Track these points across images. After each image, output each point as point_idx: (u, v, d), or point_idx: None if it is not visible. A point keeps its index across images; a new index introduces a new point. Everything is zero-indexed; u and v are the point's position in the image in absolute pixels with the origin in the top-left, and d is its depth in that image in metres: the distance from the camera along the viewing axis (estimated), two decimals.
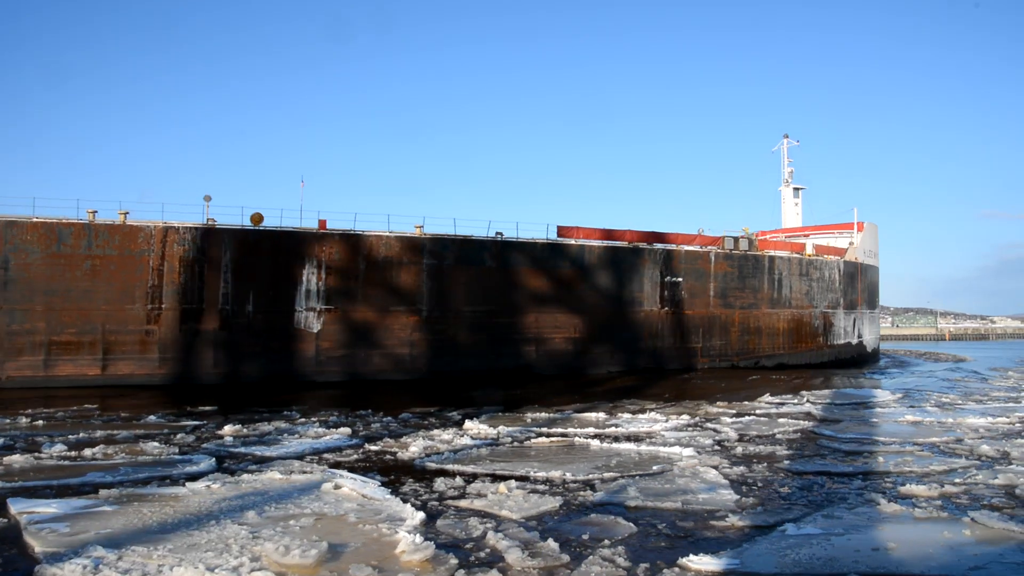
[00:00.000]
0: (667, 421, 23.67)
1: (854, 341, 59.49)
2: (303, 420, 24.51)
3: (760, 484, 14.54)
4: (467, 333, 42.64)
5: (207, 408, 28.10)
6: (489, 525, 11.17)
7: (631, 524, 11.38)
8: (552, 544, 10.14)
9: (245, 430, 21.96)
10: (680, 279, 47.88)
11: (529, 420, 24.48)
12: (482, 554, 10.01)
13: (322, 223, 40.76)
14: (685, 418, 24.79)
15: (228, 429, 21.88)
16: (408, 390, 36.66)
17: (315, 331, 39.89)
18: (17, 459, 16.70)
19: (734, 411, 26.79)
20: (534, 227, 41.88)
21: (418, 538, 9.91)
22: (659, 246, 47.81)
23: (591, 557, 9.74)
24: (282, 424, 23.40)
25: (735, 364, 49.83)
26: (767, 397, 31.32)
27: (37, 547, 10.03)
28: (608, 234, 46.86)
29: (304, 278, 39.79)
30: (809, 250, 55.04)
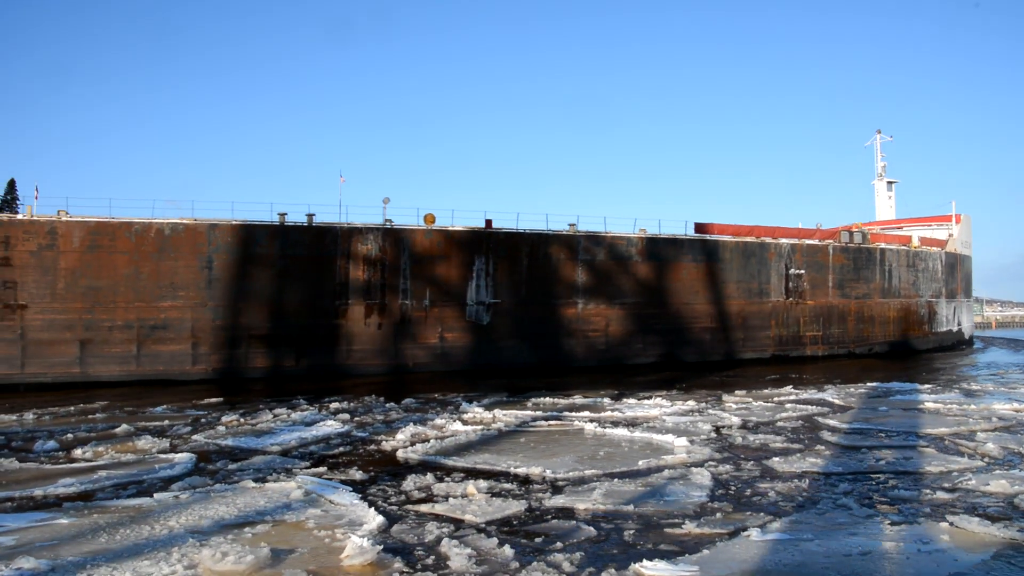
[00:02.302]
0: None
1: (954, 328, 62.19)
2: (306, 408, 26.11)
3: (741, 481, 14.43)
4: (616, 325, 45.41)
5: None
6: (446, 530, 11.06)
7: (591, 528, 11.14)
8: (505, 550, 10.02)
9: (241, 419, 23.48)
10: (803, 271, 50.58)
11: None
12: (429, 560, 9.87)
13: (488, 222, 43.52)
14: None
15: (226, 420, 23.34)
16: (530, 374, 39.36)
17: (484, 323, 42.71)
18: (3, 461, 16.94)
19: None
20: (622, 222, 44.47)
21: (366, 543, 9.90)
22: (783, 240, 50.51)
23: (535, 563, 9.58)
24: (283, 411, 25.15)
25: (852, 351, 52.56)
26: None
27: None
28: (737, 230, 49.59)
29: (474, 273, 42.60)
30: (915, 242, 57.61)
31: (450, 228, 42.82)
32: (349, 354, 40.57)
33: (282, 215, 40.42)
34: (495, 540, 10.44)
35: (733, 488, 13.89)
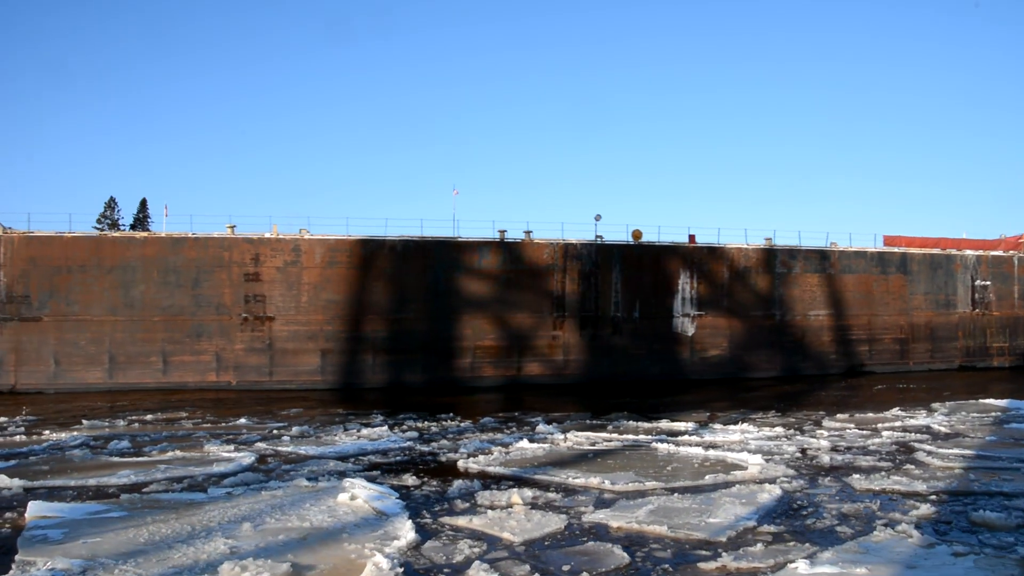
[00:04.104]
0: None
1: None
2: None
3: (809, 501, 13.53)
4: (812, 335, 46.34)
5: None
6: (477, 550, 10.80)
7: (624, 554, 10.61)
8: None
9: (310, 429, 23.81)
10: (988, 282, 50.71)
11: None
12: None
13: (691, 237, 44.90)
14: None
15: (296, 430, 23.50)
16: (720, 387, 40.38)
17: (690, 335, 44.08)
18: (76, 453, 18.78)
19: None
20: (734, 233, 44.94)
21: (386, 565, 9.80)
22: (969, 252, 50.72)
23: None
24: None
25: None
26: None
27: (18, 554, 10.37)
28: (924, 242, 50.04)
29: (680, 287, 43.99)
30: None
31: (656, 243, 44.30)
32: (566, 364, 42.36)
33: (502, 232, 42.38)
34: (526, 567, 10.03)
35: (796, 508, 12.96)
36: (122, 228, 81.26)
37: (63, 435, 22.65)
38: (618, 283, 43.20)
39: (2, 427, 25.31)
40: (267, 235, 40.86)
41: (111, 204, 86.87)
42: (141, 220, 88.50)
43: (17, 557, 10.15)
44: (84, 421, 26.24)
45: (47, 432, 23.37)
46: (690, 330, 44.03)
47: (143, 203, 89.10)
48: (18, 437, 22.60)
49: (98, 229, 73.60)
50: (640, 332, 43.43)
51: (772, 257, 45.74)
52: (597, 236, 43.82)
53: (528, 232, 42.69)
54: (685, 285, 44.07)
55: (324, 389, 39.55)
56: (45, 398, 36.58)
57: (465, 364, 41.40)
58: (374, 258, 41.22)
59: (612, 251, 43.33)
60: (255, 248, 40.36)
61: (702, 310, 44.24)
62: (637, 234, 44.00)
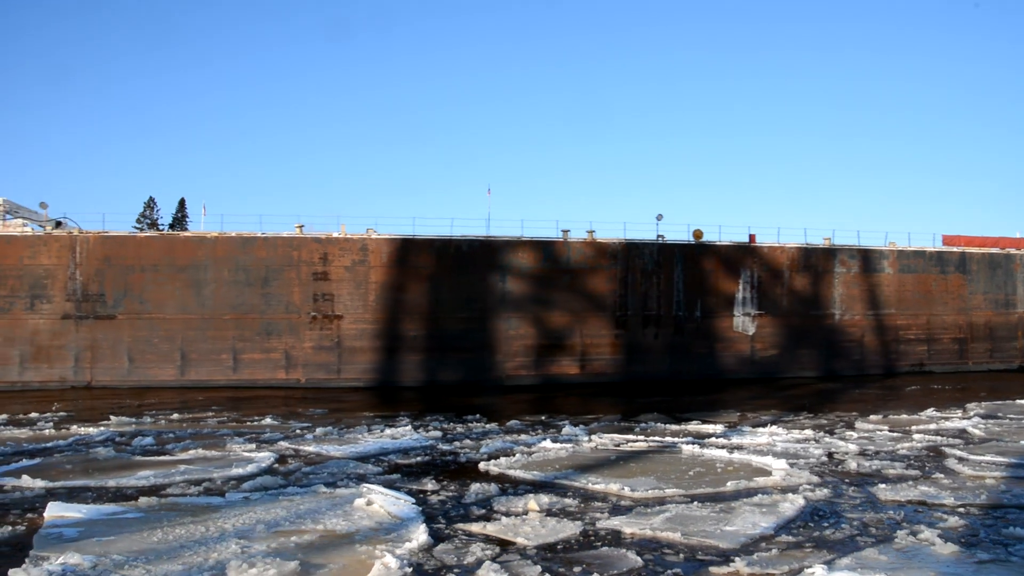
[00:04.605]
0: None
1: None
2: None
3: (831, 510, 13.22)
4: (871, 335, 46.36)
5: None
6: (489, 553, 10.79)
7: (637, 558, 10.55)
8: None
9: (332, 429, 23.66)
10: None
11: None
12: None
13: (751, 237, 45.07)
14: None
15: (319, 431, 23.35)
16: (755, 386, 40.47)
17: (750, 334, 44.25)
18: (100, 452, 19.02)
19: None
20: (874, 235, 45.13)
21: (394, 565, 9.84)
22: None
23: None
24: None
25: None
26: None
27: (32, 550, 10.57)
28: (983, 241, 49.88)
29: (740, 286, 44.18)
30: None
31: (716, 243, 44.50)
32: (629, 362, 42.70)
33: (565, 231, 42.77)
34: (536, 569, 10.05)
35: (818, 518, 12.65)
36: (161, 228, 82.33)
37: (91, 430, 23.22)
38: (680, 282, 43.46)
39: (32, 422, 26.04)
40: (335, 235, 41.49)
41: (150, 204, 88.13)
42: (179, 220, 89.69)
43: (31, 552, 10.39)
44: (112, 417, 26.56)
45: (75, 427, 23.87)
46: (751, 329, 44.21)
47: (181, 203, 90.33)
48: (47, 431, 23.24)
49: (137, 228, 74.75)
50: (702, 331, 43.66)
51: (831, 256, 45.83)
52: (659, 236, 44.11)
53: (591, 231, 43.05)
54: (745, 284, 44.24)
55: (395, 387, 40.08)
56: (117, 392, 37.49)
57: (529, 362, 41.80)
58: (440, 257, 41.72)
59: (674, 250, 43.61)
60: (324, 247, 41.00)
61: (762, 309, 44.40)
62: (698, 234, 44.23)
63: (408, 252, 41.44)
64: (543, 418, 27.07)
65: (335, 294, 40.95)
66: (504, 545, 11.26)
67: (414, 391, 39.09)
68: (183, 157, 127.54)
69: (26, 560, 10.00)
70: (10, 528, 12.06)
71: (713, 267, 44.05)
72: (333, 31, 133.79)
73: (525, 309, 41.80)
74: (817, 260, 45.59)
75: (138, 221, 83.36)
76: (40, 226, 42.84)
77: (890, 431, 22.75)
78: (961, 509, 13.18)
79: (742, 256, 44.46)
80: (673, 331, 43.34)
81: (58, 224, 41.96)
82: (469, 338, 41.34)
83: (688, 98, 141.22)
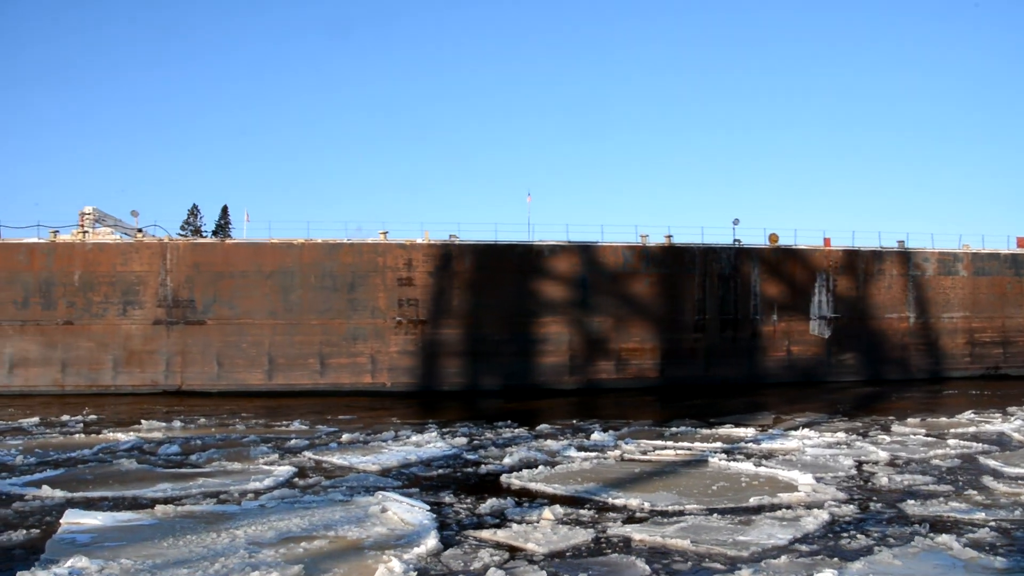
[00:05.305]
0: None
1: None
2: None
3: (854, 526, 12.81)
4: (946, 338, 46.50)
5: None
6: (497, 558, 10.84)
7: (644, 565, 10.56)
8: None
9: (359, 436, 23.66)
10: None
11: None
12: None
13: (827, 240, 45.37)
14: None
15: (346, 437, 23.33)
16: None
17: (826, 337, 44.51)
18: (123, 462, 19.00)
19: None
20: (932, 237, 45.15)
21: (399, 567, 9.94)
22: None
23: None
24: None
25: None
26: None
27: (44, 554, 10.87)
28: None
29: (816, 290, 44.46)
30: None
31: (792, 247, 44.83)
32: (708, 366, 43.10)
33: (644, 236, 43.25)
34: (542, 574, 10.10)
35: (837, 530, 12.43)
36: (204, 235, 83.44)
37: (120, 436, 23.52)
38: (757, 286, 43.81)
39: (63, 424, 26.58)
40: (419, 241, 42.17)
41: (194, 211, 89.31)
42: (223, 226, 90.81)
43: (43, 556, 10.71)
44: (143, 422, 26.85)
45: (105, 432, 24.27)
46: (826, 333, 44.46)
47: (224, 210, 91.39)
48: (77, 436, 23.65)
49: (181, 235, 75.90)
50: (779, 335, 43.96)
51: (906, 259, 46.02)
52: (735, 240, 44.48)
53: (668, 236, 43.51)
54: (821, 288, 44.53)
55: (479, 391, 40.66)
56: (207, 399, 37.81)
57: (610, 365, 42.28)
58: (523, 262, 42.31)
59: (751, 254, 43.98)
60: (408, 253, 41.70)
61: (837, 312, 44.64)
62: (774, 238, 44.59)
63: (490, 257, 42.07)
64: (574, 422, 27.30)
65: (420, 299, 41.61)
66: (513, 551, 11.30)
67: (496, 395, 39.77)
68: (222, 165, 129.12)
69: (35, 563, 10.30)
70: (25, 532, 12.48)
71: (789, 271, 44.36)
72: (333, 30, 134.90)
73: (619, 310, 42.30)
74: (891, 263, 45.78)
75: (182, 228, 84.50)
76: (127, 234, 43.86)
77: (926, 435, 22.91)
78: (992, 523, 12.85)
79: (818, 260, 44.75)
80: (751, 335, 43.67)
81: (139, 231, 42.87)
82: (549, 342, 41.88)
83: (755, 97, 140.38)
